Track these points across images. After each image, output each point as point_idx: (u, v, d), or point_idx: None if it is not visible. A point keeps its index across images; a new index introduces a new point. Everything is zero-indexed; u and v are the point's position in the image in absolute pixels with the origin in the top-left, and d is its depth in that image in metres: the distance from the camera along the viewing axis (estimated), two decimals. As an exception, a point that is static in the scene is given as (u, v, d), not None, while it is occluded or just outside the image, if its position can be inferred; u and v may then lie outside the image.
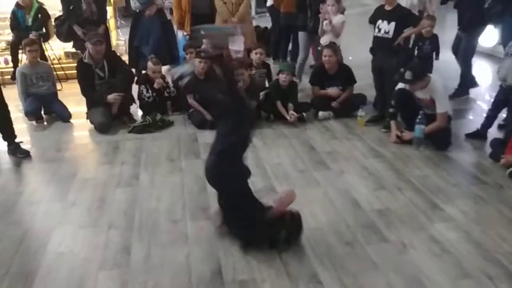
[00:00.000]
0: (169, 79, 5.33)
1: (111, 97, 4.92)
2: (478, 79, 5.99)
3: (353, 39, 6.99)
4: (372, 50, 4.92)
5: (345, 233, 2.95)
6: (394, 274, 2.55)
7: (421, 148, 4.24)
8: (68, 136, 4.92)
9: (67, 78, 6.80)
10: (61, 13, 6.46)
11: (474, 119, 4.95)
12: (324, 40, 5.66)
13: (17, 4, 6.58)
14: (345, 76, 5.25)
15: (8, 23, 6.83)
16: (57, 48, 7.21)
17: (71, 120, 5.25)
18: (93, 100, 5.02)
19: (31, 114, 5.20)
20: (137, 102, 5.33)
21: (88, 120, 5.02)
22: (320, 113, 5.16)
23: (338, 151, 4.28)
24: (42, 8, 6.73)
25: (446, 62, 5.84)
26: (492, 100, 4.61)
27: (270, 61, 6.86)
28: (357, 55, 6.29)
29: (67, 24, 6.21)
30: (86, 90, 5.00)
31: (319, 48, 5.78)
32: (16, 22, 6.61)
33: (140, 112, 5.31)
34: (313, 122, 5.07)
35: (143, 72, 5.54)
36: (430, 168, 3.89)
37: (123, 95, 5.00)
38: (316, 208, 3.25)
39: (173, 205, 3.34)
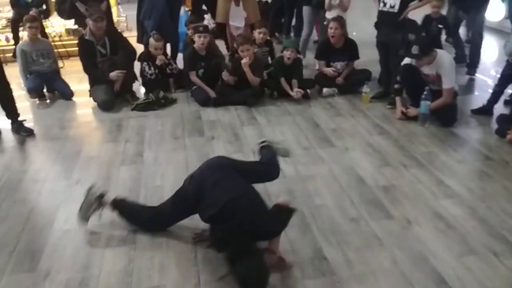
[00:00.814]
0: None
1: (113, 74, 4.89)
2: (484, 54, 5.89)
3: (357, 14, 6.88)
4: (376, 25, 4.83)
5: (350, 210, 2.95)
6: (399, 250, 2.55)
7: (427, 125, 4.21)
8: (71, 114, 4.90)
9: (68, 55, 6.76)
10: (61, -10, 6.37)
11: (480, 94, 4.90)
12: (330, 14, 5.57)
13: (16, -19, 6.50)
14: (350, 51, 5.17)
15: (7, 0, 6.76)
16: (58, 25, 7.14)
17: (74, 98, 5.22)
18: (95, 78, 4.99)
19: (33, 91, 5.17)
20: (140, 79, 5.29)
21: (91, 98, 5.00)
22: (325, 90, 5.11)
23: (342, 128, 4.25)
24: (42, -16, 6.64)
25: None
26: (499, 75, 4.56)
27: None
28: (361, 30, 6.20)
29: (70, 0, 6.12)
30: (88, 68, 4.96)
31: (324, 23, 5.69)
32: (16, -1, 6.54)
33: (142, 90, 5.28)
34: (317, 99, 5.03)
35: (146, 48, 5.47)
36: (435, 145, 3.87)
37: (125, 72, 4.96)
38: (321, 185, 3.24)
39: (177, 183, 3.28)
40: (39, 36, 5.40)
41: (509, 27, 6.54)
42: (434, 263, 2.44)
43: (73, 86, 5.32)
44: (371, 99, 4.88)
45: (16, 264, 2.54)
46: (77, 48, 5.13)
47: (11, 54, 6.56)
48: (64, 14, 6.40)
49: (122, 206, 2.82)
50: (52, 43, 5.98)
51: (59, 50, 6.53)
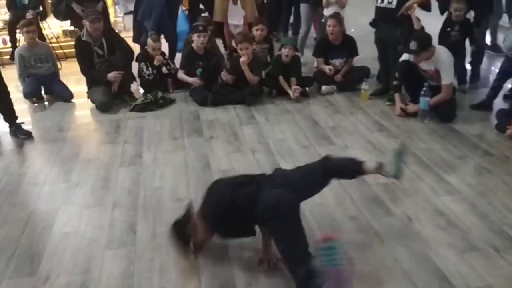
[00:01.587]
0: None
1: (111, 75, 4.87)
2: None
3: (355, 10, 6.86)
4: (372, 23, 4.80)
5: (350, 208, 2.94)
6: (400, 247, 2.54)
7: (426, 121, 4.20)
8: (70, 116, 4.89)
9: (66, 57, 6.74)
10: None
11: (479, 90, 4.89)
12: (328, 11, 5.54)
13: (12, -17, 6.46)
14: (349, 47, 5.15)
15: (4, 1, 6.72)
16: (54, 27, 7.11)
17: (72, 100, 5.21)
18: (93, 79, 4.97)
19: (29, 95, 5.14)
20: (138, 80, 5.28)
21: (89, 99, 4.98)
22: (323, 88, 5.10)
23: (342, 126, 4.24)
24: (38, -15, 6.60)
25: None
26: (498, 70, 4.54)
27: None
28: (359, 27, 6.18)
29: (65, 2, 6.09)
30: (86, 69, 4.95)
31: (322, 20, 5.67)
32: (12, 0, 6.49)
33: (141, 90, 5.26)
34: (316, 97, 5.01)
35: (144, 48, 5.45)
36: (435, 141, 3.86)
37: (123, 73, 4.94)
38: (321, 184, 3.23)
39: (177, 184, 3.33)
40: (37, 39, 5.37)
41: (508, 22, 6.51)
42: (436, 261, 2.43)
43: (71, 88, 5.30)
44: (370, 96, 4.86)
45: (16, 268, 2.53)
46: (74, 50, 5.11)
47: (8, 57, 6.55)
48: (60, 16, 6.37)
49: None
50: (50, 45, 5.96)
51: (57, 51, 6.50)
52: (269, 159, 3.63)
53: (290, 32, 7.17)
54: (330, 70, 5.07)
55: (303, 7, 6.18)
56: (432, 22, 4.83)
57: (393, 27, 4.55)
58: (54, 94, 5.31)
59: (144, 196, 3.18)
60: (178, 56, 5.67)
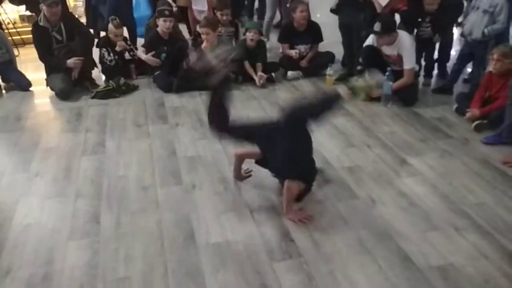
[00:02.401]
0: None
1: (70, 61, 4.71)
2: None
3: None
4: (334, 9, 4.82)
5: (316, 191, 2.97)
6: (364, 229, 2.59)
7: (389, 105, 4.27)
8: (28, 104, 4.71)
9: (24, 43, 6.49)
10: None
11: (440, 73, 4.99)
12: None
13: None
14: (314, 33, 5.16)
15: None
16: (11, 12, 6.82)
17: (31, 88, 5.02)
18: (52, 66, 4.80)
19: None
20: (99, 66, 5.13)
21: (48, 87, 4.82)
22: (289, 73, 5.11)
23: (307, 111, 4.25)
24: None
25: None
26: (457, 54, 4.65)
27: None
28: (324, 13, 6.18)
29: (20, -14, 5.85)
30: (44, 55, 4.76)
31: (288, 5, 5.65)
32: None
33: (102, 77, 5.12)
34: (282, 82, 5.01)
35: (104, 34, 5.30)
36: (398, 124, 3.94)
37: (83, 59, 4.79)
38: (287, 168, 3.24)
39: (142, 172, 3.27)
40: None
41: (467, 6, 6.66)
42: (399, 240, 2.49)
43: (29, 75, 5.10)
44: (335, 81, 4.90)
45: (-26, 262, 2.44)
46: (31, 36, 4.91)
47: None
48: (16, 0, 6.12)
49: None
50: (6, 31, 5.71)
51: (14, 37, 6.25)
52: (235, 145, 3.60)
53: (255, 17, 7.12)
54: (296, 53, 5.07)
55: (268, -8, 6.14)
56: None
57: (356, 12, 4.58)
58: (11, 83, 5.10)
59: (108, 185, 3.12)
60: (140, 42, 5.55)
